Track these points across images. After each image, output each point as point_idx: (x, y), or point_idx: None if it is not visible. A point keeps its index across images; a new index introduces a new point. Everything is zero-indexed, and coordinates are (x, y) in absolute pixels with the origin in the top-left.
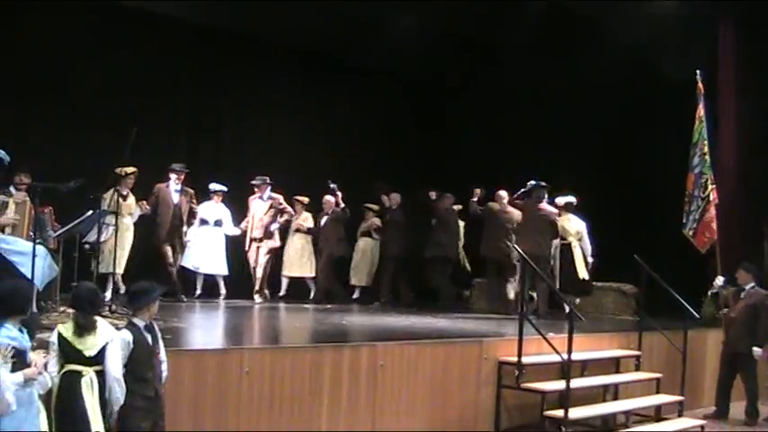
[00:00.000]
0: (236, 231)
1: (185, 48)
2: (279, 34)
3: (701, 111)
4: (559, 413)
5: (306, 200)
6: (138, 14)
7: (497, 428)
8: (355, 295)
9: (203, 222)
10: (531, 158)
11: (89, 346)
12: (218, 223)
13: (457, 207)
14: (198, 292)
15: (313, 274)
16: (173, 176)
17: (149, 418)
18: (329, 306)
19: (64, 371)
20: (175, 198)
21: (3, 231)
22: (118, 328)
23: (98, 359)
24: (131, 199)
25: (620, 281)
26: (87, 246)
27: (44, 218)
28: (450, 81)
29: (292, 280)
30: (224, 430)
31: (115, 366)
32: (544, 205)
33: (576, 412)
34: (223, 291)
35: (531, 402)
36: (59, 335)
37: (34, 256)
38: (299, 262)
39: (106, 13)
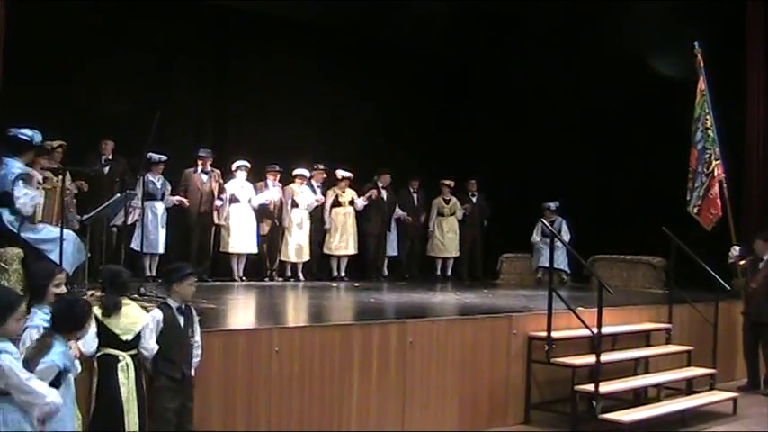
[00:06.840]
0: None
1: (210, 29)
2: (302, 13)
3: (701, 84)
4: (590, 387)
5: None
6: None
7: (528, 403)
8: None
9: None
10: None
11: (125, 330)
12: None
13: None
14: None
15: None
16: (200, 162)
17: (176, 399)
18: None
19: (99, 354)
20: (204, 181)
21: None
22: (147, 311)
23: (134, 343)
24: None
25: (649, 253)
26: (115, 228)
27: (67, 201)
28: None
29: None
30: (254, 409)
31: (147, 345)
32: None
33: (606, 386)
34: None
35: (562, 377)
36: (95, 317)
37: (62, 240)
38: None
39: None
